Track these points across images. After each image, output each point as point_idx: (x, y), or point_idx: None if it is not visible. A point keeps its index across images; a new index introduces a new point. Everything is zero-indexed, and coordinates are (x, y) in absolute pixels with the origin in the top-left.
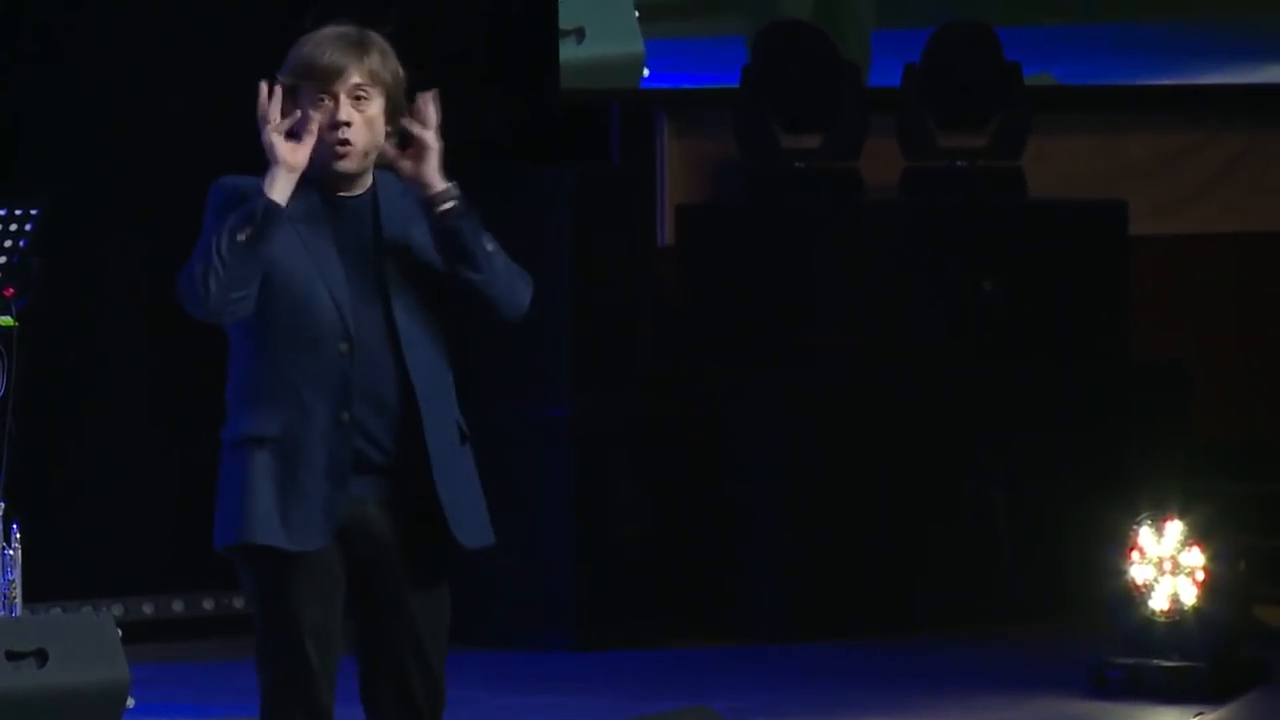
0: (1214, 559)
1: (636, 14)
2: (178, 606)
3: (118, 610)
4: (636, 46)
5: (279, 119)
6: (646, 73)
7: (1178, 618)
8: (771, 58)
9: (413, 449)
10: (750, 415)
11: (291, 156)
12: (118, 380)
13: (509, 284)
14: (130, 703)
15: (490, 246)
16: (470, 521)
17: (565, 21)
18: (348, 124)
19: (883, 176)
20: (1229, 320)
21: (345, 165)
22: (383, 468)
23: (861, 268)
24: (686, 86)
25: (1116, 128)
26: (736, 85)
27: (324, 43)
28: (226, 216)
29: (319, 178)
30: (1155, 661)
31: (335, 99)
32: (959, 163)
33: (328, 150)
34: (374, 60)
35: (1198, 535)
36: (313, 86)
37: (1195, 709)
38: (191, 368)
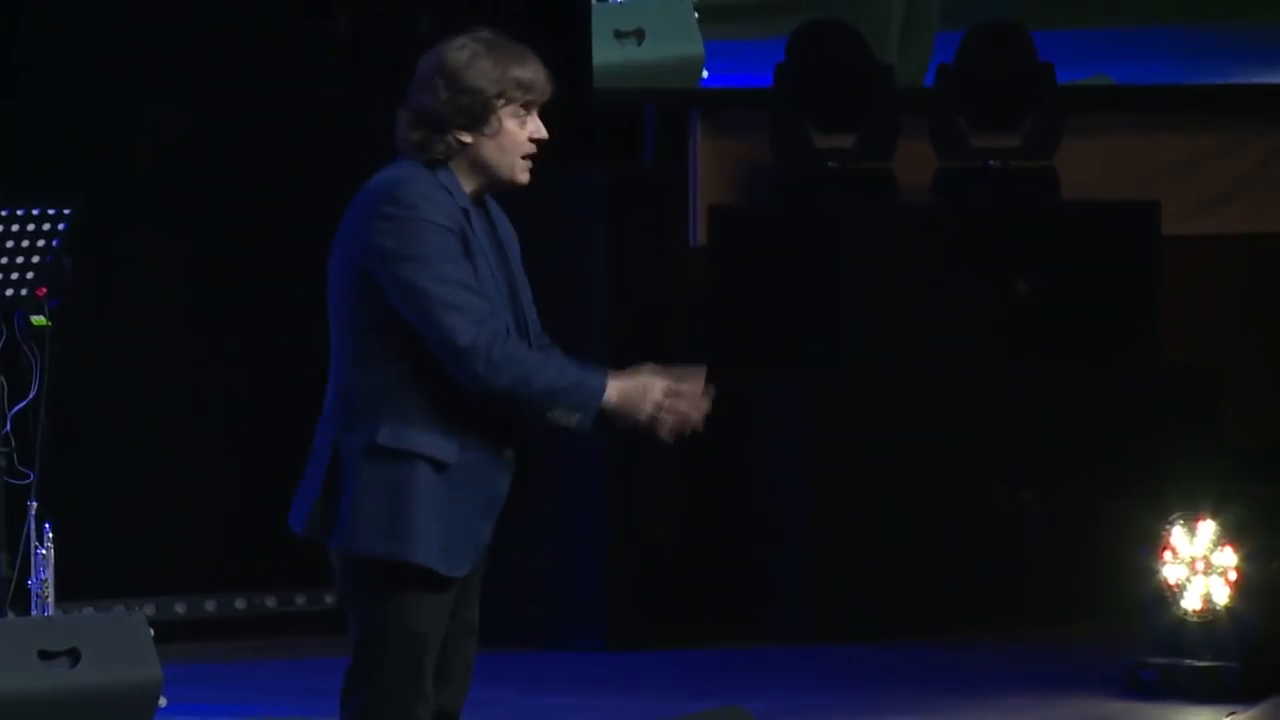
0: (1246, 559)
1: (696, 16)
2: (210, 606)
3: (150, 610)
4: (696, 48)
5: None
6: (706, 74)
7: (1210, 618)
8: (805, 57)
9: (520, 461)
10: (782, 416)
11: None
12: (150, 380)
13: None
14: (162, 702)
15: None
16: None
17: (625, 24)
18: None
19: (916, 178)
20: (1261, 322)
21: (524, 180)
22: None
23: (894, 268)
24: (721, 86)
25: (1149, 128)
26: (770, 86)
27: (526, 59)
28: (444, 236)
29: (479, 189)
30: (1188, 661)
31: (531, 114)
32: (992, 163)
33: (518, 165)
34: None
35: (1230, 535)
36: (523, 104)
37: (1228, 709)
38: (224, 368)
